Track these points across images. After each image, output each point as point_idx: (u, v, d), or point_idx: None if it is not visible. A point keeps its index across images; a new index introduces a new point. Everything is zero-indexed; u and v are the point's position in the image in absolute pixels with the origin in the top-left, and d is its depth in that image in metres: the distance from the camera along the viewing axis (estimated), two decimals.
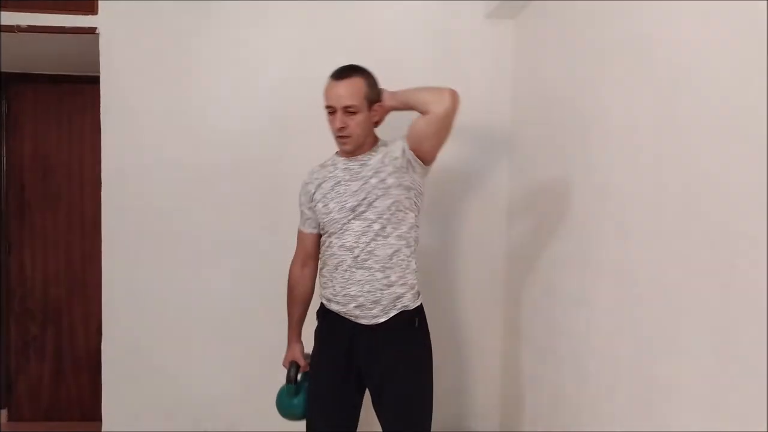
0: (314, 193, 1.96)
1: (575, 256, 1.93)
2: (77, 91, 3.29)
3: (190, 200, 2.52)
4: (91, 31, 2.44)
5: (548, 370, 2.13)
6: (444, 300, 2.61)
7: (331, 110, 1.87)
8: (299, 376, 2.01)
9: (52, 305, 3.39)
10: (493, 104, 2.54)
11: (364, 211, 1.85)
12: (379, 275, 1.85)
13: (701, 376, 1.27)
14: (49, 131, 3.35)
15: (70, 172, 3.37)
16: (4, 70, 3.14)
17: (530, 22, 2.40)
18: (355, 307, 1.87)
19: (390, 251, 1.86)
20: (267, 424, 2.53)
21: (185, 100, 2.51)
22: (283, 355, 2.06)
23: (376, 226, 1.85)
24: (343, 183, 1.90)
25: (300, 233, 2.05)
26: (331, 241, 1.91)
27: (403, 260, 1.88)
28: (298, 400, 1.99)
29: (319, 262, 2.01)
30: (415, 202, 1.93)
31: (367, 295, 1.85)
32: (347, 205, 1.87)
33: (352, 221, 1.86)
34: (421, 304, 1.94)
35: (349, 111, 1.84)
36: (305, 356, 2.03)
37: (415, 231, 1.94)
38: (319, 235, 2.00)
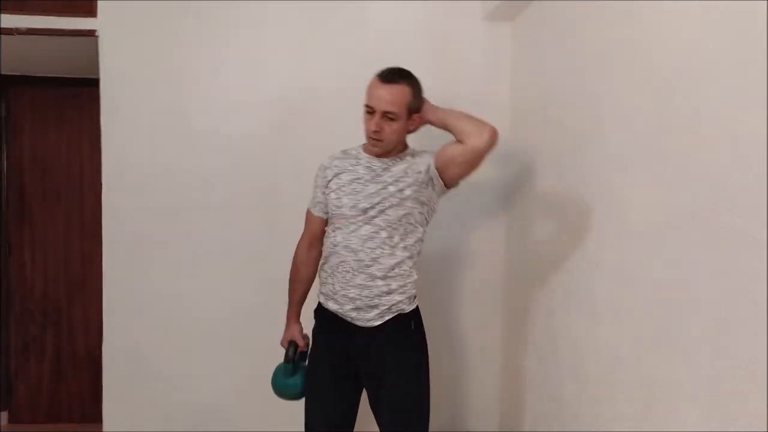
0: (330, 181, 1.94)
1: (575, 256, 1.93)
2: (77, 94, 3.30)
3: (190, 202, 2.52)
4: (91, 33, 2.44)
5: (548, 371, 2.13)
6: (444, 300, 2.61)
7: (370, 110, 1.83)
8: (296, 356, 2.01)
9: (52, 306, 3.39)
10: (491, 107, 2.51)
11: (374, 217, 1.84)
12: (380, 282, 1.85)
13: (701, 376, 1.27)
14: (49, 134, 3.36)
15: (69, 174, 3.37)
16: (3, 72, 3.14)
17: (528, 24, 2.40)
18: (352, 309, 1.87)
19: (394, 261, 1.86)
20: (267, 425, 2.53)
21: (185, 102, 2.51)
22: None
23: (384, 234, 1.84)
24: (361, 181, 1.88)
25: (309, 215, 2.03)
26: (335, 236, 1.90)
27: (405, 270, 1.88)
28: (294, 380, 1.99)
29: (321, 258, 2.00)
30: (426, 217, 1.93)
31: (365, 299, 1.85)
32: (360, 205, 1.86)
33: (361, 224, 1.85)
34: (417, 306, 1.94)
35: (388, 116, 1.81)
36: (304, 336, 2.03)
37: (420, 244, 1.93)
38: (327, 221, 1.99)
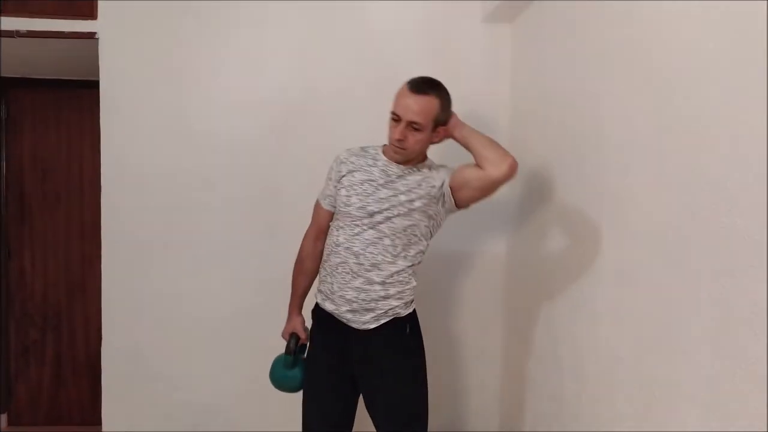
0: (343, 177, 1.92)
1: (575, 257, 1.93)
2: (77, 96, 3.30)
3: (190, 203, 2.52)
4: (91, 35, 2.45)
5: (548, 371, 2.13)
6: (445, 301, 2.62)
7: (396, 118, 1.80)
8: (297, 348, 2.00)
9: (52, 309, 3.39)
10: (491, 108, 2.54)
11: (380, 223, 1.84)
12: (378, 287, 1.85)
13: (701, 376, 1.27)
14: (49, 135, 3.36)
15: (69, 176, 3.37)
16: (4, 74, 3.14)
17: (528, 24, 2.40)
18: (348, 310, 1.87)
19: (394, 269, 1.85)
20: (267, 426, 2.53)
21: (184, 103, 2.51)
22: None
23: (387, 242, 1.84)
24: (374, 184, 1.87)
25: (318, 206, 2.02)
26: (338, 236, 1.89)
27: (404, 278, 1.88)
28: (293, 373, 1.98)
29: (323, 254, 1.99)
30: (431, 231, 1.92)
31: (361, 302, 1.85)
32: (368, 208, 1.85)
33: (366, 228, 1.84)
34: (414, 310, 1.94)
35: (413, 126, 1.78)
36: (305, 329, 2.03)
37: (422, 256, 1.93)
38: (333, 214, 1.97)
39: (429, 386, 1.97)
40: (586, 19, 1.88)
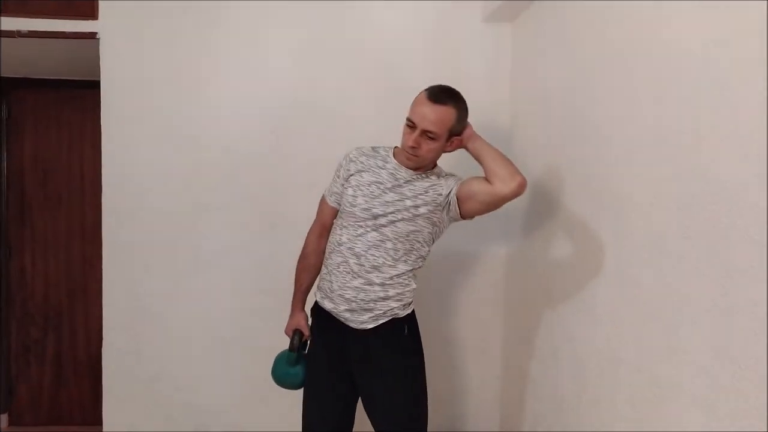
0: (351, 176, 1.91)
1: (575, 256, 1.93)
2: (77, 96, 3.30)
3: (190, 204, 2.52)
4: (92, 36, 2.45)
5: (549, 371, 2.13)
6: (446, 301, 2.62)
7: (411, 125, 1.79)
8: (300, 345, 2.00)
9: (53, 309, 3.39)
10: (491, 108, 2.55)
11: (384, 226, 1.84)
12: (378, 288, 1.85)
13: (701, 376, 1.27)
14: (50, 136, 3.36)
15: (70, 176, 3.37)
16: (4, 74, 3.14)
17: (528, 25, 2.40)
18: (346, 310, 1.87)
19: (394, 272, 1.86)
20: (267, 426, 2.53)
21: (185, 104, 2.51)
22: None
23: (389, 245, 1.84)
24: (382, 187, 1.87)
25: (323, 202, 2.01)
26: (341, 236, 1.89)
27: (404, 281, 1.88)
28: (296, 370, 1.98)
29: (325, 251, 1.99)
30: (433, 238, 1.93)
31: (360, 302, 1.85)
32: (373, 210, 1.85)
33: (369, 230, 1.84)
34: (413, 311, 1.94)
35: (428, 135, 1.78)
36: (308, 326, 2.02)
37: (422, 261, 1.93)
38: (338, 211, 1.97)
39: (429, 386, 1.97)
40: (586, 19, 1.88)
